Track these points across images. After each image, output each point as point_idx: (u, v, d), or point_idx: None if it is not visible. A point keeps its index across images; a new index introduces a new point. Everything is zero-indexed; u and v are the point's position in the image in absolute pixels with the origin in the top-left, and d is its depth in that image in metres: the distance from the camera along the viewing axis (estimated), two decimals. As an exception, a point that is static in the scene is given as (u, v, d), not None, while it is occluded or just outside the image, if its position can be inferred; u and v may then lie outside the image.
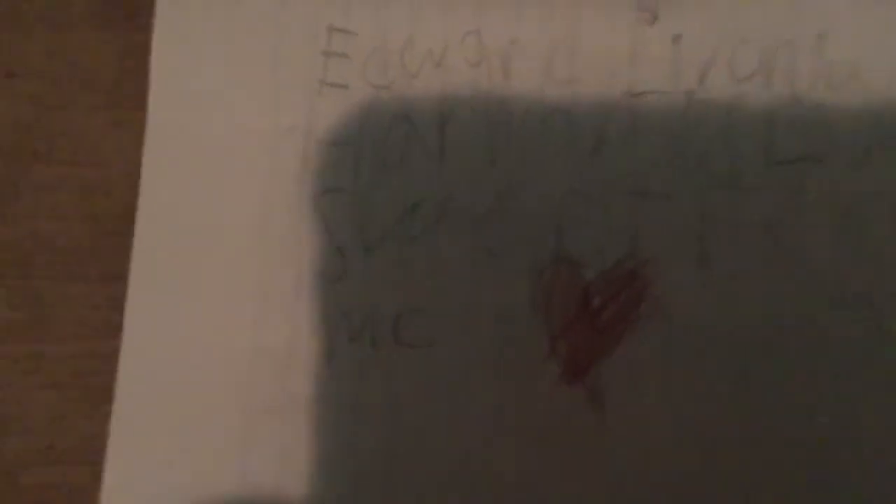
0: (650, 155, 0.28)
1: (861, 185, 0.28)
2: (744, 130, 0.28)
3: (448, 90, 0.28)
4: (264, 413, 0.27)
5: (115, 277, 0.28)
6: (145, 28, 0.29)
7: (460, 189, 0.28)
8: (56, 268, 0.28)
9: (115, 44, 0.29)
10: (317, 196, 0.28)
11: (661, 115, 0.28)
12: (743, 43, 0.29)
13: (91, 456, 0.26)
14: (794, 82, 0.28)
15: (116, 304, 0.27)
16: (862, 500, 0.26)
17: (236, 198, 0.28)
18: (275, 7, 0.29)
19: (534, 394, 0.27)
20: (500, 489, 0.26)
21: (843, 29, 0.29)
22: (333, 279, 0.27)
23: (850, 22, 0.29)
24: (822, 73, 0.28)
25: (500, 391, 0.27)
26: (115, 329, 0.27)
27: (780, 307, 0.27)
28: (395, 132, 0.28)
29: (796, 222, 0.28)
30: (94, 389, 0.27)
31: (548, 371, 0.27)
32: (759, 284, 0.27)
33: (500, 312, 0.27)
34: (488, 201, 0.28)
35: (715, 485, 0.26)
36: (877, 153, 0.28)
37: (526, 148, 0.28)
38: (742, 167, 0.28)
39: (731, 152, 0.28)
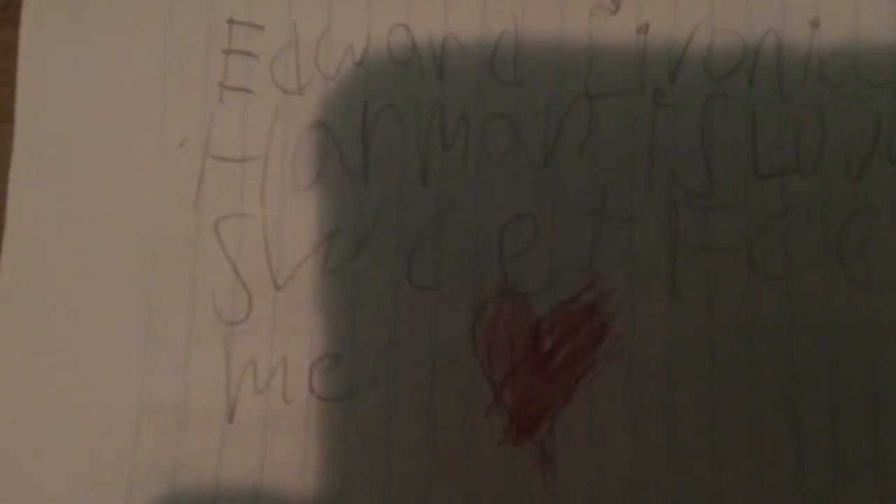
0: (610, 168, 0.26)
1: (859, 199, 0.26)
2: (722, 137, 0.26)
3: (372, 94, 0.26)
4: (151, 479, 0.25)
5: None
6: (17, 23, 0.27)
7: (386, 212, 0.26)
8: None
9: (-18, 42, 0.27)
10: (215, 223, 0.26)
11: (623, 119, 0.26)
12: (721, 33, 0.27)
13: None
14: (781, 79, 0.27)
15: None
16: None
17: (119, 226, 0.26)
18: (164, -4, 0.27)
19: (474, 453, 0.25)
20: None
21: (839, 15, 0.27)
22: (236, 321, 0.25)
23: (849, 7, 0.27)
24: (814, 67, 0.27)
25: (435, 450, 0.25)
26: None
27: (762, 345, 0.25)
28: (308, 145, 0.26)
29: (782, 245, 0.26)
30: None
31: (491, 426, 0.25)
32: (738, 318, 0.26)
33: (434, 357, 0.25)
34: (419, 226, 0.26)
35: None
36: (877, 162, 0.26)
37: (464, 162, 0.26)
38: (720, 181, 0.26)
39: (706, 164, 0.26)
